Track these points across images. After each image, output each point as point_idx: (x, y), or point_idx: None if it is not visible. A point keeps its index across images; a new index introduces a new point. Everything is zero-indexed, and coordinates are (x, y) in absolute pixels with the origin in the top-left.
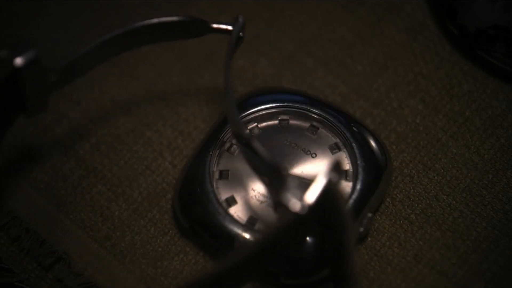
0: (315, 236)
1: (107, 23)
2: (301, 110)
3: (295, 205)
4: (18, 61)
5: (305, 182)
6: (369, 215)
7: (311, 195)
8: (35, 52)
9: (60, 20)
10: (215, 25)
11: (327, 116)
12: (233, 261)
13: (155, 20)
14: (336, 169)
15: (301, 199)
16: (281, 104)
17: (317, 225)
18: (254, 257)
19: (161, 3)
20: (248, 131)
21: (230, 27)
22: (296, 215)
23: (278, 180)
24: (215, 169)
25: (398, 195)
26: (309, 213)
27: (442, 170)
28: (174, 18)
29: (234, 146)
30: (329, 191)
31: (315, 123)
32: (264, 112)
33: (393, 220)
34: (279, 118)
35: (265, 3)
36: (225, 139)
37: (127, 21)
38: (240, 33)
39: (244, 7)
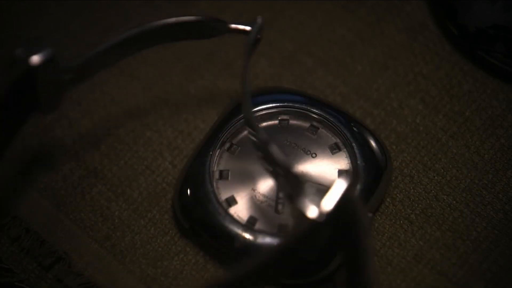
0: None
1: (107, 23)
2: (301, 110)
3: (312, 212)
4: (34, 59)
5: (323, 189)
6: (369, 215)
7: (329, 201)
8: (51, 51)
9: (60, 20)
10: (233, 26)
11: (327, 116)
12: (250, 268)
13: (172, 20)
14: (354, 175)
15: (318, 205)
16: (281, 104)
17: (335, 232)
18: (271, 264)
19: (161, 3)
20: (266, 136)
21: (248, 28)
22: (313, 222)
23: (295, 186)
24: (215, 169)
25: (398, 195)
26: (326, 220)
27: (442, 170)
28: (192, 18)
29: (234, 146)
30: (347, 197)
31: (315, 123)
32: (264, 112)
33: (393, 220)
34: (279, 118)
35: (265, 3)
36: (225, 139)
37: (144, 20)
38: (258, 35)
39: (244, 7)
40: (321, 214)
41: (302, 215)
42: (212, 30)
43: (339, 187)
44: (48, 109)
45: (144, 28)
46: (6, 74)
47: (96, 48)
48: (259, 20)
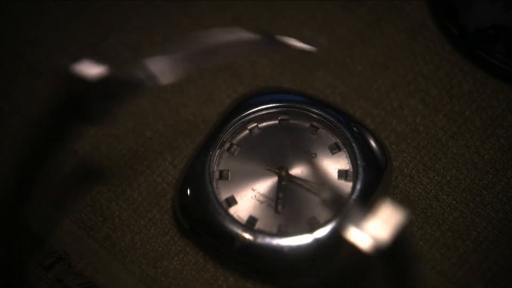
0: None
1: (107, 23)
2: (301, 110)
3: (360, 243)
4: (89, 74)
5: (373, 217)
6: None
7: (382, 233)
8: (105, 66)
9: (60, 20)
10: (293, 44)
11: (327, 116)
12: None
13: (231, 36)
14: (405, 205)
15: (367, 234)
16: (281, 104)
17: (380, 260)
18: None
19: (161, 3)
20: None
21: (309, 48)
22: (361, 253)
23: (354, 216)
24: (215, 169)
25: (398, 195)
26: (375, 252)
27: (442, 170)
28: (252, 36)
29: (234, 146)
30: (403, 233)
31: (315, 123)
32: (264, 112)
33: None
34: (279, 118)
35: (265, 3)
36: (225, 139)
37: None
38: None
39: (244, 7)
40: (371, 246)
41: (353, 246)
42: (272, 49)
43: (396, 220)
44: (98, 122)
45: (202, 47)
46: (60, 86)
47: (150, 64)
48: (322, 41)
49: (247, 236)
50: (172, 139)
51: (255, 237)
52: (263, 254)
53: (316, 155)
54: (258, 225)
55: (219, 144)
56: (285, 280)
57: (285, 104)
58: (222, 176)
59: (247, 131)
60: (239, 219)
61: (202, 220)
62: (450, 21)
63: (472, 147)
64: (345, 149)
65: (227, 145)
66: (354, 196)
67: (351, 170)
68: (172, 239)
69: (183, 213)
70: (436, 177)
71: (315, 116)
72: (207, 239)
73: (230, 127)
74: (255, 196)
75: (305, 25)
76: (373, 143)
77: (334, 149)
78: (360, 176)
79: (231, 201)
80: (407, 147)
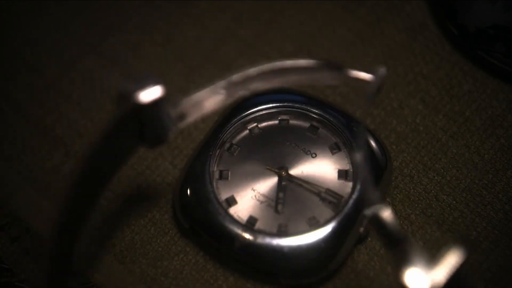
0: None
1: (107, 23)
2: (301, 110)
3: (419, 285)
4: (143, 97)
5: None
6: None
7: (439, 275)
8: (161, 89)
9: (60, 20)
10: (353, 74)
11: (327, 116)
12: None
13: (289, 63)
14: (466, 243)
15: (427, 278)
16: (281, 104)
17: None
18: None
19: (161, 3)
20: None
21: (369, 77)
22: None
23: (401, 254)
24: (215, 169)
25: (398, 195)
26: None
27: (442, 170)
28: (310, 63)
29: (234, 146)
30: (461, 273)
31: (315, 123)
32: (264, 112)
33: None
34: (279, 118)
35: (265, 3)
36: (225, 139)
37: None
38: (379, 85)
39: (244, 7)
40: None
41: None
42: (330, 75)
43: (452, 260)
44: (153, 144)
45: (256, 71)
46: (113, 109)
47: (208, 86)
48: (382, 70)
49: (247, 236)
50: (172, 139)
51: (255, 237)
52: (263, 254)
53: (316, 155)
54: (258, 225)
55: (219, 144)
56: (285, 280)
57: (285, 104)
58: (222, 176)
59: (247, 131)
60: (239, 219)
61: (202, 220)
62: (450, 21)
63: (472, 147)
64: (345, 149)
65: (227, 145)
66: (354, 196)
67: (351, 170)
68: (172, 239)
69: (183, 213)
70: (436, 177)
71: (315, 116)
72: (207, 239)
73: (230, 127)
74: (255, 196)
75: (305, 25)
76: (373, 143)
77: (334, 149)
78: (360, 176)
79: (231, 201)
80: (407, 147)
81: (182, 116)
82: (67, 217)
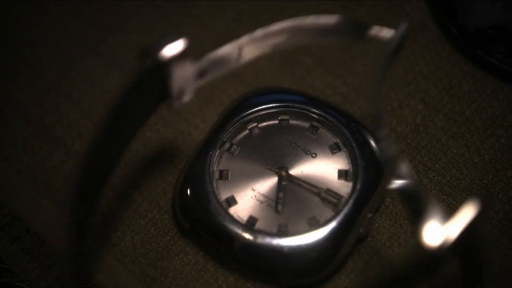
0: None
1: (107, 23)
2: (301, 110)
3: (431, 240)
4: (166, 52)
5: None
6: (369, 215)
7: (453, 229)
8: (183, 44)
9: (60, 20)
10: (374, 29)
11: (327, 116)
12: None
13: (310, 20)
14: (484, 199)
15: (440, 231)
16: (281, 104)
17: (453, 258)
18: None
19: (161, 3)
20: (396, 148)
21: (390, 33)
22: (431, 252)
23: (417, 208)
24: (215, 169)
25: (398, 195)
26: (447, 250)
27: (442, 170)
28: (331, 20)
29: (234, 146)
30: (475, 228)
31: (315, 123)
32: (264, 112)
33: (393, 220)
34: (279, 118)
35: (265, 3)
36: (225, 139)
37: (277, 19)
38: (401, 41)
39: (244, 7)
40: (441, 245)
41: (420, 241)
42: (352, 33)
43: (466, 214)
44: (176, 101)
45: (278, 27)
46: (137, 64)
47: (230, 43)
48: (403, 26)
49: (247, 236)
50: (172, 139)
51: (255, 237)
52: (263, 254)
53: (316, 155)
54: (258, 225)
55: (219, 144)
56: (285, 280)
57: (285, 104)
58: (222, 176)
59: (247, 131)
60: (239, 219)
61: (202, 220)
62: (450, 21)
63: (472, 147)
64: (345, 149)
65: (227, 145)
66: (354, 196)
67: (351, 170)
68: (172, 239)
69: (183, 213)
70: (436, 177)
71: (315, 116)
72: (207, 239)
73: (230, 127)
74: (255, 196)
75: None
76: (373, 143)
77: (334, 149)
78: (360, 176)
79: (231, 201)
80: (407, 147)
81: (202, 73)
82: (88, 172)
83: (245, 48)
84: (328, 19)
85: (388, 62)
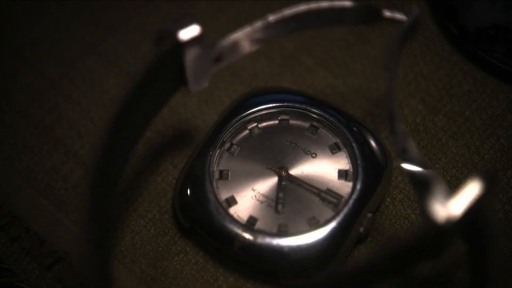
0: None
1: (107, 23)
2: (301, 110)
3: (437, 215)
4: (182, 35)
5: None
6: (369, 215)
7: (458, 205)
8: (199, 27)
9: (60, 20)
10: (387, 14)
11: (327, 116)
12: (361, 265)
13: (325, 4)
14: (489, 177)
15: (445, 208)
16: (281, 104)
17: (460, 237)
18: (386, 265)
19: (161, 3)
20: (406, 131)
21: (403, 17)
22: (435, 226)
23: (424, 186)
24: (215, 169)
25: (398, 195)
26: (452, 226)
27: (442, 170)
28: (346, 4)
29: (234, 146)
30: (480, 202)
31: (315, 123)
32: (264, 112)
33: (393, 220)
34: (279, 118)
35: (265, 3)
36: (225, 139)
37: (292, 4)
38: (414, 26)
39: (244, 7)
40: (446, 219)
41: (426, 217)
42: (365, 17)
43: (471, 191)
44: (194, 85)
45: (293, 12)
46: (154, 49)
47: (244, 28)
48: (415, 10)
49: (247, 236)
50: (172, 139)
51: (255, 237)
52: (263, 254)
53: (316, 155)
54: (258, 225)
55: (219, 144)
56: (285, 280)
57: (285, 104)
58: (222, 176)
59: (247, 131)
60: (239, 219)
61: (202, 220)
62: (450, 21)
63: (472, 147)
64: (345, 149)
65: (227, 145)
66: (354, 196)
67: (351, 170)
68: (172, 239)
69: (183, 213)
70: None
71: (315, 116)
72: (207, 239)
73: (230, 127)
74: (255, 196)
75: None
76: (373, 143)
77: (334, 149)
78: (360, 176)
79: (231, 201)
80: None
81: (219, 58)
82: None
83: (257, 35)
84: (343, 3)
85: (400, 47)
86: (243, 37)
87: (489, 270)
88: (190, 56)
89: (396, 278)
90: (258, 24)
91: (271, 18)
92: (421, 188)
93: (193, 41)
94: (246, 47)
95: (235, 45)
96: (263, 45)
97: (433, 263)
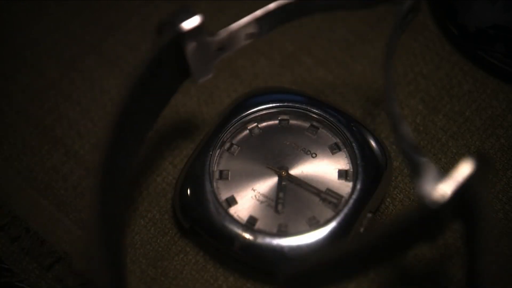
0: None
1: (107, 23)
2: (301, 110)
3: (427, 196)
4: (182, 26)
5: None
6: (369, 215)
7: (449, 185)
8: (200, 18)
9: (60, 20)
10: None
11: (327, 116)
12: (355, 247)
13: None
14: (481, 160)
15: (436, 189)
16: (281, 104)
17: (454, 218)
18: (378, 247)
19: (161, 3)
20: (400, 113)
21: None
22: (425, 207)
23: (416, 167)
24: (215, 169)
25: (398, 195)
26: (442, 207)
27: (442, 170)
28: None
29: (234, 146)
30: (471, 184)
31: (315, 123)
32: (264, 112)
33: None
34: (279, 118)
35: (265, 3)
36: (225, 139)
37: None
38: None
39: (244, 7)
40: (435, 199)
41: (417, 199)
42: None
43: (463, 172)
44: (198, 77)
45: None
46: (155, 40)
47: (244, 18)
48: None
49: (247, 236)
50: (172, 139)
51: (255, 237)
52: (263, 254)
53: (316, 155)
54: (258, 225)
55: (219, 144)
56: (285, 280)
57: (285, 104)
58: (222, 176)
59: (247, 131)
60: (239, 219)
61: (202, 220)
62: (450, 21)
63: (472, 147)
64: (345, 149)
65: (227, 145)
66: (354, 196)
67: (351, 170)
68: (172, 239)
69: (183, 213)
70: None
71: (315, 116)
72: (207, 239)
73: (230, 127)
74: (255, 196)
75: (305, 25)
76: (373, 143)
77: (334, 149)
78: (360, 176)
79: (231, 201)
80: None
81: (221, 48)
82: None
83: (258, 22)
84: None
85: (397, 31)
86: (244, 26)
87: (483, 253)
88: (192, 46)
89: (392, 262)
90: (259, 11)
91: (271, 5)
92: (414, 170)
93: (194, 31)
94: (248, 35)
95: (236, 35)
96: (265, 33)
97: (428, 246)
